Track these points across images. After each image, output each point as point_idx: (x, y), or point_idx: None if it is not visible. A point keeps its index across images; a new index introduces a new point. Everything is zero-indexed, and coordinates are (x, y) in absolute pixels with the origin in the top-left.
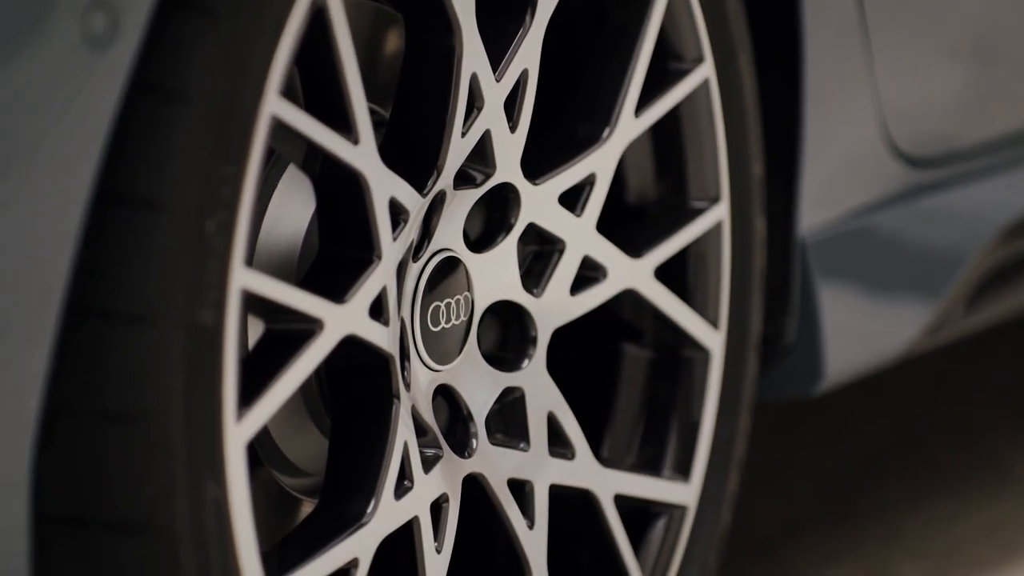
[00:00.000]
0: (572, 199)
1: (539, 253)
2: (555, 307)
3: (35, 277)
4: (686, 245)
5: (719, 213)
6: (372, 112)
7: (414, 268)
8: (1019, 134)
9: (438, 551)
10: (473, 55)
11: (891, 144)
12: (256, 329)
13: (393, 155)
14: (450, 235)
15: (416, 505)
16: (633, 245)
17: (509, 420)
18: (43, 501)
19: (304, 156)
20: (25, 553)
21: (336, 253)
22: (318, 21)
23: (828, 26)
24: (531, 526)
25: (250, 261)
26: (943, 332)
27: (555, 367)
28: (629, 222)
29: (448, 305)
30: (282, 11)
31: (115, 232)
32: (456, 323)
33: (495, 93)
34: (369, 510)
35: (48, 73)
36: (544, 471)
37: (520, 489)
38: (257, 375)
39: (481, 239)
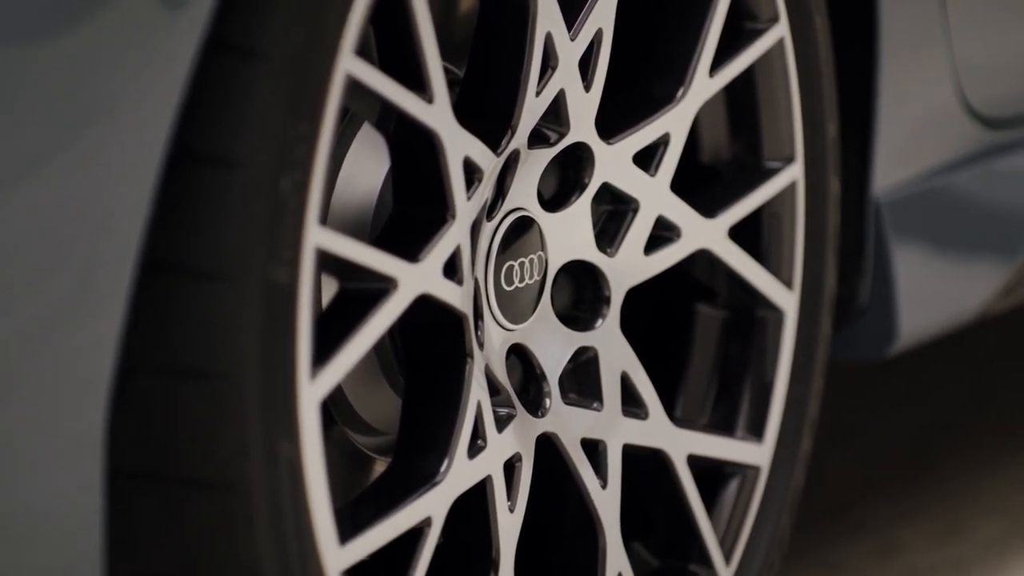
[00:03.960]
0: (646, 159)
1: (613, 213)
2: (629, 267)
3: (111, 234)
4: (760, 205)
5: (793, 173)
6: (447, 71)
7: (488, 227)
8: None
9: (511, 510)
10: (548, 14)
11: (966, 104)
12: (330, 288)
13: (467, 114)
14: (524, 194)
15: (489, 464)
16: (707, 205)
17: (582, 380)
18: (117, 457)
19: (378, 115)
20: (99, 508)
21: (410, 212)
22: None
23: None
24: (604, 486)
25: (324, 219)
26: (1018, 293)
27: (629, 327)
28: (703, 182)
29: (522, 264)
30: None
31: (191, 190)
32: (530, 282)
33: (570, 52)
34: (442, 469)
35: (125, 31)
36: (617, 431)
37: (593, 449)
38: (331, 334)
39: (555, 198)
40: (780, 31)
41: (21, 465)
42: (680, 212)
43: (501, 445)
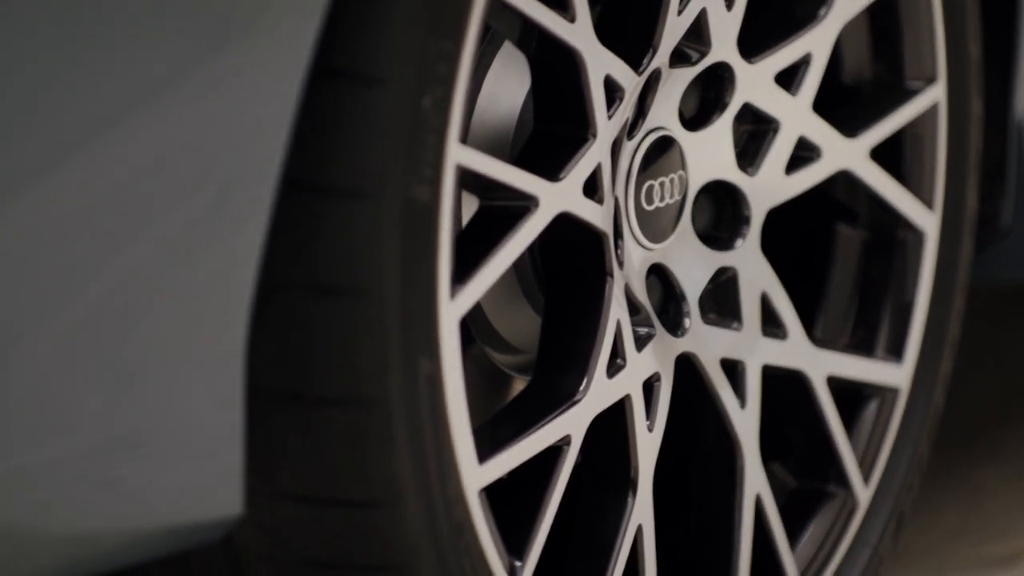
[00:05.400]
0: (787, 79)
1: (754, 133)
2: (769, 187)
3: (252, 152)
4: (902, 126)
5: (935, 94)
6: None
7: (628, 146)
8: None
9: (650, 430)
10: None
11: None
12: (469, 206)
13: (609, 33)
14: (665, 114)
15: (628, 383)
16: (849, 126)
17: (722, 300)
18: (257, 376)
19: (520, 33)
20: (240, 425)
21: (551, 131)
22: None
23: None
24: (743, 406)
25: (465, 138)
26: None
27: (769, 247)
28: (844, 102)
29: (662, 184)
30: None
31: (332, 107)
32: (670, 202)
33: None
34: (581, 388)
35: None
36: (757, 351)
37: (732, 369)
38: (471, 252)
39: (696, 118)
40: None
41: (164, 385)
42: (821, 132)
43: (640, 364)
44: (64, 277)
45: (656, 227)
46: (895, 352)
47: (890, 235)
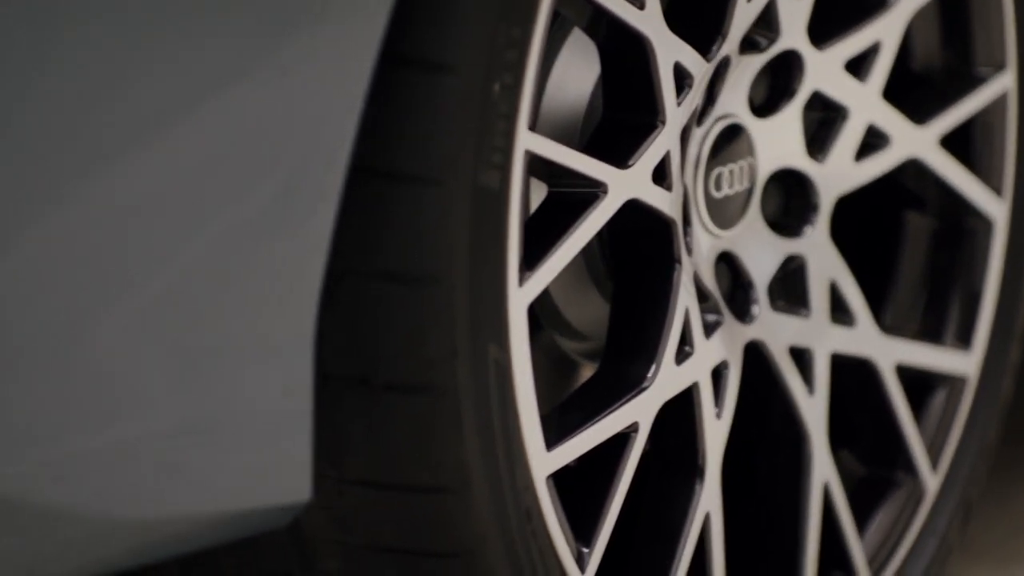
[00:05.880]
0: (857, 66)
1: (823, 120)
2: (839, 175)
3: (322, 138)
4: (972, 114)
5: (1005, 82)
6: None
7: (698, 134)
8: None
9: (718, 417)
10: None
11: None
12: (538, 193)
13: (679, 20)
14: (734, 101)
15: (697, 370)
16: (918, 113)
17: (791, 287)
18: (325, 361)
19: (589, 20)
20: (309, 411)
21: (620, 118)
22: None
23: None
24: (811, 394)
25: (534, 124)
26: None
27: (838, 235)
28: (914, 90)
29: (731, 171)
30: None
31: (402, 94)
32: (739, 189)
33: None
34: (650, 375)
35: None
36: (825, 338)
37: (800, 356)
38: (539, 239)
39: (765, 105)
40: None
41: (234, 370)
42: (891, 120)
43: (709, 351)
44: (137, 263)
45: (725, 214)
46: (964, 340)
47: (959, 223)
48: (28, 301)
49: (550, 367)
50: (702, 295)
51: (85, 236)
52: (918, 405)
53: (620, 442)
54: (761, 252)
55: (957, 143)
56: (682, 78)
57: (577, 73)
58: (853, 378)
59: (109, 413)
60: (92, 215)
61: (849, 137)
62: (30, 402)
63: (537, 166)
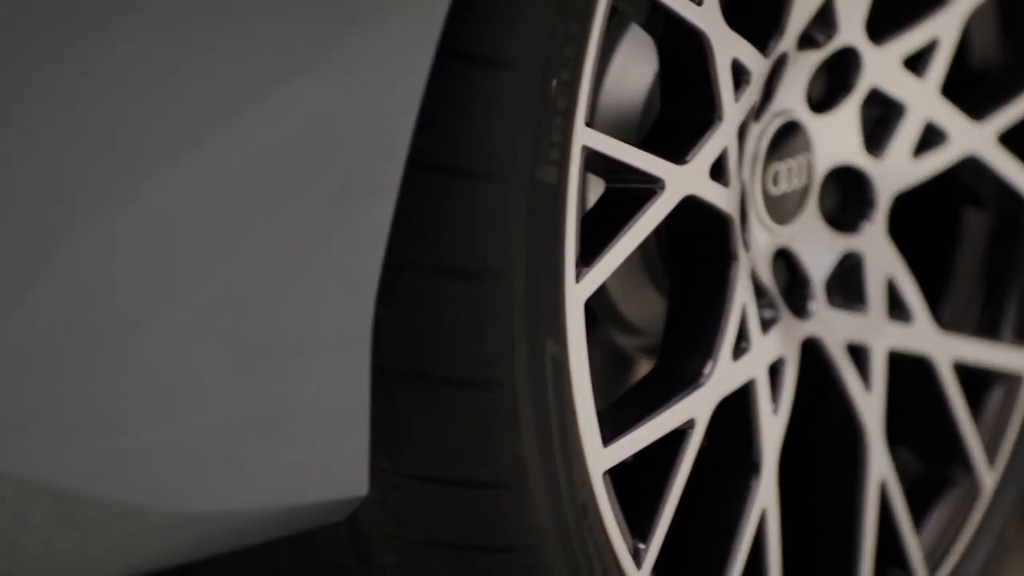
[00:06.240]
0: (916, 62)
1: (881, 116)
2: (896, 171)
3: (381, 133)
4: None
5: None
6: None
7: (755, 130)
8: None
9: (774, 413)
10: None
11: None
12: (595, 189)
13: (737, 16)
14: (792, 97)
15: (753, 367)
16: (976, 110)
17: (848, 284)
18: (382, 356)
19: (647, 16)
20: (366, 406)
21: (678, 113)
22: None
23: None
24: (868, 390)
25: (592, 120)
26: None
27: (895, 231)
28: (973, 86)
29: (789, 167)
30: None
31: (460, 89)
32: (796, 186)
33: None
34: (707, 371)
35: None
36: (883, 335)
37: (857, 353)
38: (596, 234)
39: (823, 102)
40: None
41: (292, 365)
42: (949, 117)
43: (766, 348)
44: (199, 258)
45: (782, 211)
46: (1021, 337)
47: (1017, 220)
48: (91, 297)
49: (606, 363)
50: (759, 291)
51: (148, 232)
52: (975, 402)
53: (677, 438)
54: (819, 248)
55: (1016, 140)
56: (740, 74)
57: (635, 69)
58: (911, 375)
59: (170, 408)
60: (155, 211)
61: (907, 134)
62: (92, 397)
63: (595, 162)
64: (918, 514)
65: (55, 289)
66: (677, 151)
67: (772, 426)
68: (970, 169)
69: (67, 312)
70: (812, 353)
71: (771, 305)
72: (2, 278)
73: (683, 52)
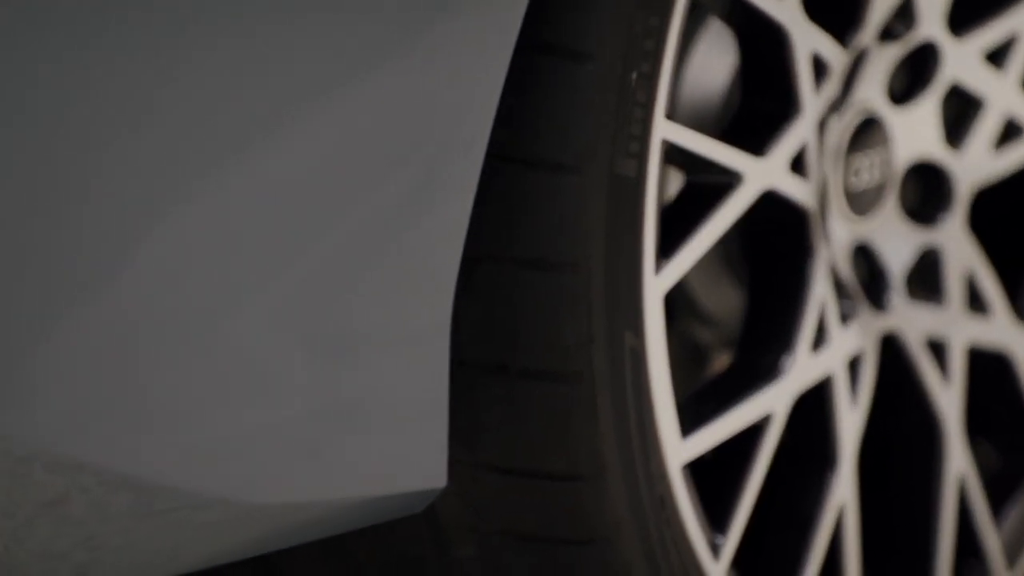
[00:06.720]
0: (996, 56)
1: (962, 110)
2: (977, 166)
3: (460, 126)
4: None
5: None
6: None
7: (836, 124)
8: None
9: (853, 408)
10: None
11: None
12: (674, 181)
13: (817, 10)
14: (872, 91)
15: (832, 361)
16: None
17: (927, 278)
18: (461, 347)
19: (726, 9)
20: (446, 397)
21: (758, 107)
22: None
23: None
24: (947, 385)
25: (671, 113)
26: None
27: (974, 225)
28: None
29: (869, 161)
30: None
31: (540, 82)
32: (876, 179)
33: None
34: (786, 364)
35: None
36: (962, 329)
37: (936, 347)
38: (675, 227)
39: (903, 95)
40: None
41: (372, 356)
42: None
43: (845, 342)
44: (280, 250)
45: (862, 204)
46: None
47: None
48: (173, 288)
49: (684, 356)
50: (838, 285)
51: (232, 224)
52: None
53: (756, 432)
54: (898, 242)
55: None
56: (820, 67)
57: (714, 62)
58: (989, 369)
59: (250, 400)
60: (239, 204)
61: (987, 128)
62: (173, 388)
63: (674, 155)
64: (997, 507)
65: (138, 281)
66: (757, 144)
67: (850, 421)
68: None
69: (150, 304)
70: (891, 347)
71: (851, 299)
72: (85, 270)
73: (763, 45)
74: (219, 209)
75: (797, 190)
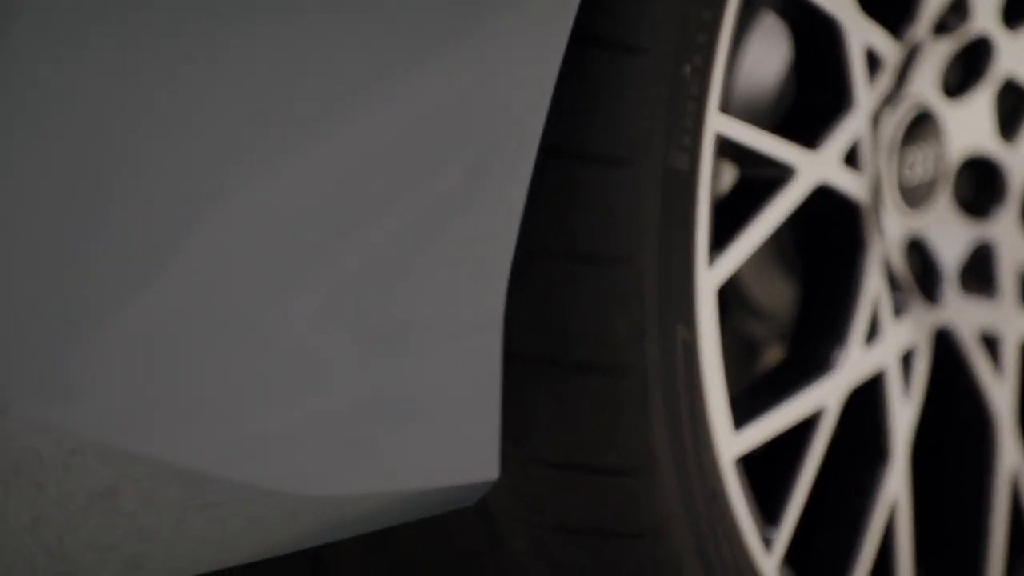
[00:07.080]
0: None
1: (1016, 104)
2: None
3: (514, 119)
4: None
5: None
6: None
7: (889, 118)
8: None
9: (906, 402)
10: None
11: None
12: (727, 175)
13: (871, 3)
14: (926, 84)
15: (885, 355)
16: None
17: (981, 272)
18: (513, 341)
19: (780, 2)
20: (498, 390)
21: (811, 100)
22: None
23: None
24: (1000, 380)
25: (725, 106)
26: None
27: None
28: None
29: (922, 155)
30: None
31: (593, 75)
32: (930, 173)
33: None
34: (839, 358)
35: None
36: (1015, 323)
37: (990, 342)
38: (728, 221)
39: (957, 89)
40: None
41: (425, 349)
42: None
43: (898, 336)
44: (331, 242)
45: (915, 198)
46: None
47: None
48: (223, 281)
49: (736, 349)
50: (891, 279)
51: (282, 218)
52: None
53: (808, 425)
54: (952, 236)
55: None
56: (873, 61)
57: (767, 55)
58: None
59: (301, 393)
60: (292, 196)
61: None
62: (223, 381)
63: (728, 148)
64: None
65: (187, 275)
66: (811, 138)
67: (903, 415)
68: None
69: (199, 297)
70: (943, 341)
71: (904, 293)
72: (134, 264)
73: (816, 39)
74: (274, 201)
75: (850, 184)
